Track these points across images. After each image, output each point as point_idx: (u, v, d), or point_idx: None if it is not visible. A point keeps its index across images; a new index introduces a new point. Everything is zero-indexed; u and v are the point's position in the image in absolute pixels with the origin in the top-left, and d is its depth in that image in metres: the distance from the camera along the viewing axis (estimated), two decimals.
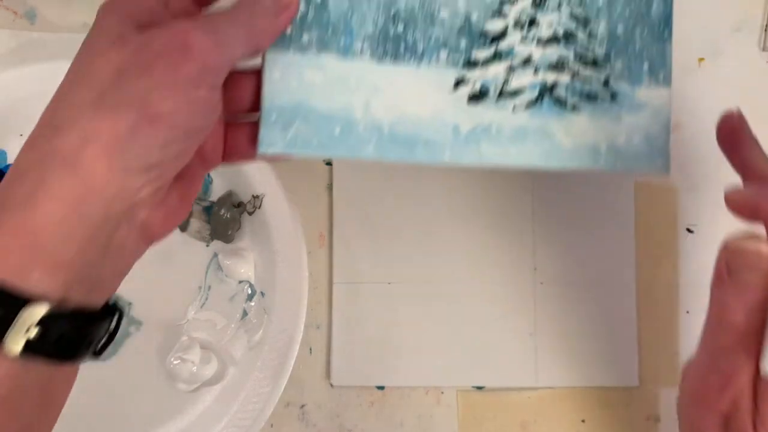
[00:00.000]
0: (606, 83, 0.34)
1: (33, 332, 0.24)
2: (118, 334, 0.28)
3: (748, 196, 0.30)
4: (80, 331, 0.26)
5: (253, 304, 0.44)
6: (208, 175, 0.44)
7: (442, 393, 0.45)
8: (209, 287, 0.44)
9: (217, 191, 0.44)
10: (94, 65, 0.26)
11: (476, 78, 0.33)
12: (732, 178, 0.46)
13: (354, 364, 0.45)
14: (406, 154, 0.32)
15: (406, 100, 0.32)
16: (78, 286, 0.25)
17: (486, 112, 0.33)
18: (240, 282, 0.44)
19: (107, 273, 0.27)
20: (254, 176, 0.42)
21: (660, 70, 0.35)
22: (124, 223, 0.27)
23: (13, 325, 0.24)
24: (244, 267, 0.43)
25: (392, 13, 0.32)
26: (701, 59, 0.47)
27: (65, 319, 0.25)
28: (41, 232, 0.24)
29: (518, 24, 0.33)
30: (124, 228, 0.27)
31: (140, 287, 0.42)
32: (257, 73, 0.31)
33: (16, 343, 0.24)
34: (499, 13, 0.33)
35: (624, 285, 0.45)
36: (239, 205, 0.44)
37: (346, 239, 0.45)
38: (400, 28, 0.32)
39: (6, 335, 0.24)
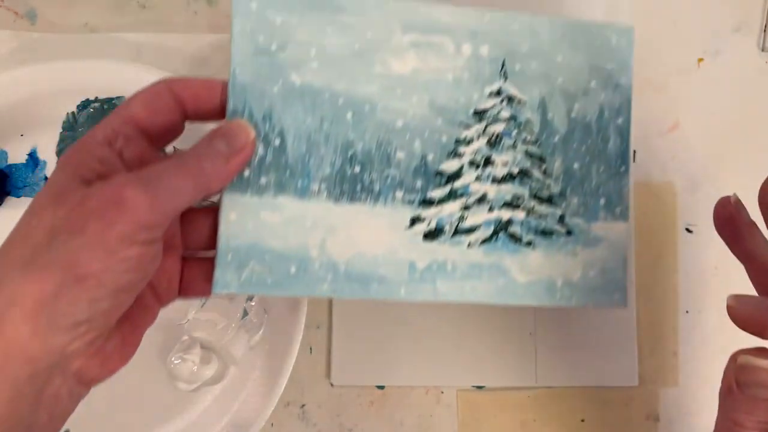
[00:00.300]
0: (561, 219, 0.34)
1: None
2: None
3: (753, 310, 0.30)
4: None
5: (253, 303, 0.44)
6: None
7: (442, 393, 0.45)
8: None
9: None
10: (31, 225, 0.27)
11: (431, 216, 0.33)
12: (731, 178, 0.46)
13: (354, 364, 0.45)
14: (361, 292, 0.33)
15: (361, 238, 0.33)
16: None
17: (441, 249, 0.34)
18: None
19: (44, 420, 0.27)
20: None
21: (617, 205, 0.35)
22: (57, 376, 0.27)
23: None
24: None
25: (349, 155, 0.33)
26: (701, 59, 0.47)
27: None
28: None
29: (473, 163, 0.34)
30: (57, 379, 0.27)
31: None
32: (215, 211, 0.32)
33: None
34: (454, 153, 0.34)
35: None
36: None
37: None
38: (357, 169, 0.33)
39: None
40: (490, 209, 0.34)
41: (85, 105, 0.42)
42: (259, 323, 0.43)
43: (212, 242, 0.32)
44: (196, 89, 0.31)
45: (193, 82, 0.31)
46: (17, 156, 0.43)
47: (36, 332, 0.25)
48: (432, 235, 0.33)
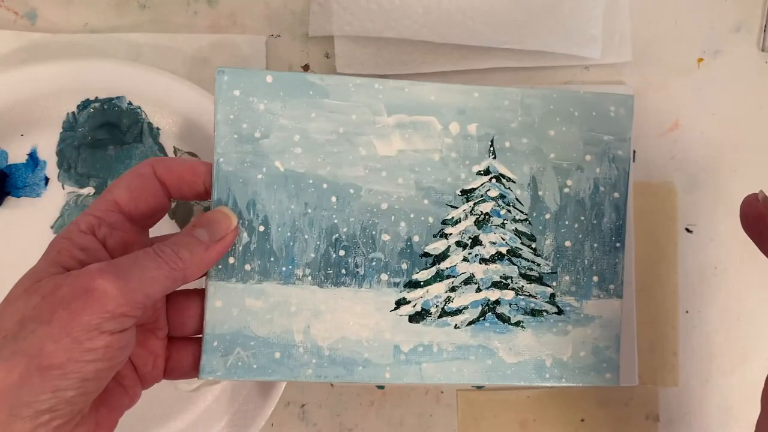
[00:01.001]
0: (552, 298, 0.34)
1: None
2: None
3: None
4: None
5: None
6: None
7: (442, 392, 0.45)
8: None
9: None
10: (5, 313, 0.27)
11: (417, 298, 0.34)
12: (731, 178, 0.46)
13: None
14: (345, 376, 0.33)
15: (346, 321, 0.33)
16: None
17: (427, 331, 0.34)
18: None
19: None
20: None
21: (611, 282, 0.35)
22: None
23: None
24: None
25: (334, 239, 0.33)
26: (701, 59, 0.47)
27: None
28: None
29: (460, 244, 0.34)
30: None
31: None
32: (202, 294, 0.32)
33: None
34: (441, 234, 0.34)
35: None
36: None
37: None
38: (342, 253, 0.33)
39: None
40: (478, 290, 0.34)
41: (85, 105, 0.42)
42: None
43: (200, 324, 0.33)
44: (180, 172, 0.32)
45: (177, 166, 0.32)
46: (17, 156, 0.43)
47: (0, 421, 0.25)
48: (418, 317, 0.34)
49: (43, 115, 0.42)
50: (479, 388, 0.45)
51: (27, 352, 0.25)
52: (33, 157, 0.43)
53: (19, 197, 0.43)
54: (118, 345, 0.27)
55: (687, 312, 0.46)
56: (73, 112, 0.42)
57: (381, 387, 0.45)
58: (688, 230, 0.46)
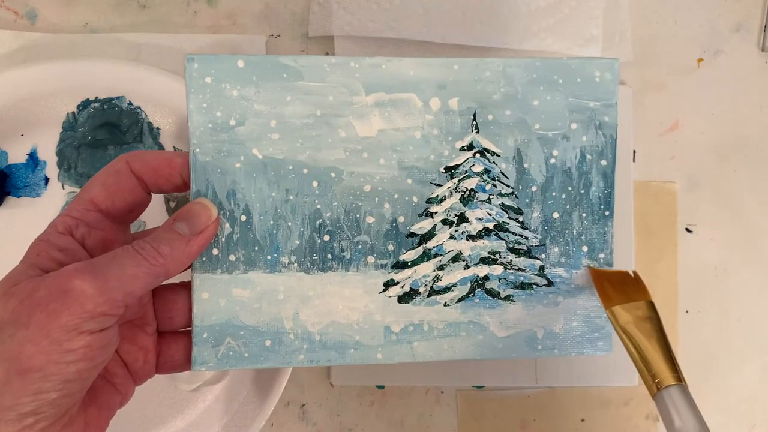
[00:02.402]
0: (541, 271, 0.34)
1: None
2: None
3: None
4: None
5: None
6: None
7: (442, 392, 0.45)
8: None
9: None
10: None
11: (405, 279, 0.33)
12: (731, 178, 0.46)
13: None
14: (337, 359, 0.33)
15: (335, 306, 0.33)
16: None
17: (417, 310, 0.33)
18: None
19: None
20: None
21: (600, 251, 0.34)
22: None
23: None
24: None
25: (317, 225, 0.33)
26: (701, 59, 0.47)
27: None
28: None
29: (446, 222, 0.33)
30: None
31: None
32: (189, 287, 0.32)
33: None
34: (426, 213, 0.33)
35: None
36: None
37: None
38: (327, 238, 0.33)
39: None
40: (466, 266, 0.34)
41: (85, 105, 0.42)
42: None
43: (188, 317, 0.33)
44: (156, 166, 0.31)
45: (153, 160, 0.31)
46: (17, 156, 0.43)
47: None
48: (406, 297, 0.33)
49: (43, 115, 0.42)
50: (479, 388, 0.45)
51: (5, 356, 0.25)
52: (33, 157, 0.43)
53: (19, 197, 0.43)
54: (99, 344, 0.27)
55: (687, 312, 0.46)
56: (73, 112, 0.42)
57: (381, 387, 0.45)
58: (688, 230, 0.46)
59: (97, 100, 0.42)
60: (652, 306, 0.32)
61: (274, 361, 0.33)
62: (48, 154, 0.43)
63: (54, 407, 0.26)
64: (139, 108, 0.43)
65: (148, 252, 0.28)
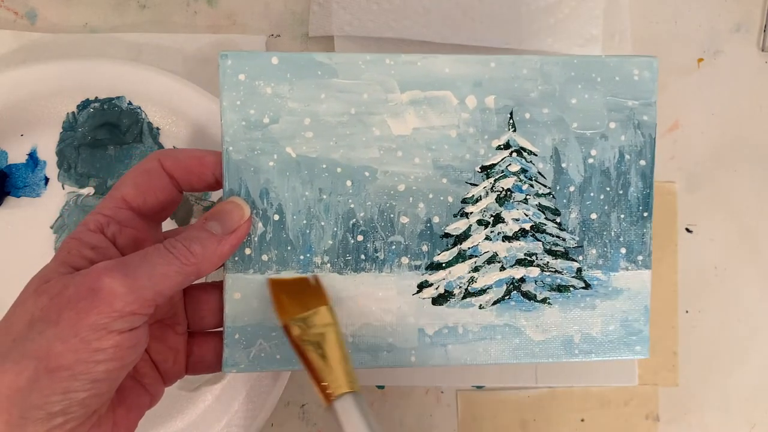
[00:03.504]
0: (579, 273, 0.33)
1: None
2: None
3: None
4: None
5: None
6: None
7: (442, 392, 0.45)
8: None
9: (217, 191, 0.44)
10: (15, 314, 0.27)
11: (440, 280, 0.33)
12: (731, 178, 0.46)
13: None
14: (370, 362, 0.32)
15: (368, 307, 0.32)
16: None
17: (451, 312, 0.33)
18: None
19: None
20: None
21: (639, 253, 0.34)
22: None
23: None
24: None
25: (351, 225, 0.32)
26: (701, 59, 0.47)
27: None
28: None
29: (482, 222, 0.33)
30: None
31: None
32: (220, 287, 0.32)
33: None
34: (461, 213, 0.33)
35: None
36: None
37: None
38: (360, 238, 0.32)
39: None
40: (502, 268, 0.33)
41: (85, 105, 0.42)
42: None
43: (219, 318, 0.32)
44: (188, 164, 0.31)
45: (185, 158, 0.31)
46: (17, 156, 0.43)
47: (9, 423, 0.25)
48: (441, 299, 0.33)
49: (43, 115, 0.42)
50: (479, 388, 0.45)
51: (35, 354, 0.25)
52: (33, 157, 0.43)
53: (19, 197, 0.43)
54: (128, 344, 0.27)
55: (687, 312, 0.46)
56: (73, 112, 0.42)
57: (381, 387, 0.45)
58: (688, 230, 0.46)
59: (97, 100, 0.42)
60: (330, 312, 0.31)
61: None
62: (48, 154, 0.43)
63: (83, 407, 0.26)
64: (139, 108, 0.43)
65: (179, 251, 0.28)
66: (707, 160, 0.46)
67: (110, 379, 0.27)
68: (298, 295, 0.31)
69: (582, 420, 0.45)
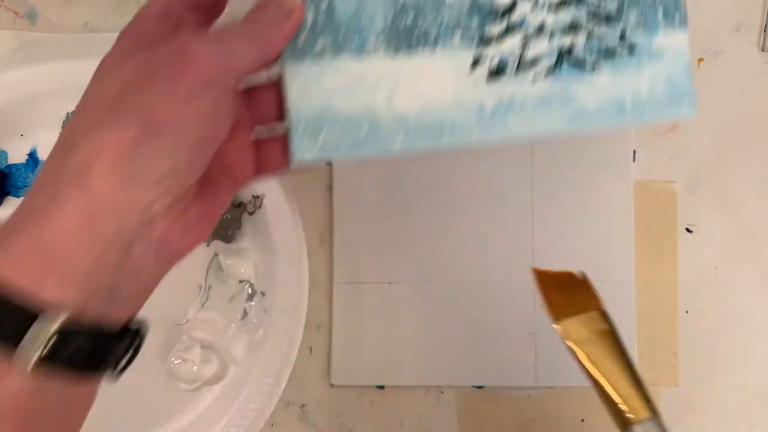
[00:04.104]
0: (622, 36, 0.34)
1: (48, 344, 0.24)
2: None
3: None
4: (97, 347, 0.25)
5: (253, 304, 0.44)
6: None
7: (442, 393, 0.45)
8: (210, 287, 0.44)
9: None
10: (104, 83, 0.27)
11: (492, 55, 0.33)
12: (732, 178, 0.46)
13: (354, 364, 0.45)
14: (434, 141, 0.33)
15: (426, 88, 0.33)
16: (94, 302, 0.25)
17: (507, 86, 0.33)
18: (240, 282, 0.44)
19: (126, 293, 0.27)
20: None
21: (675, 13, 0.34)
22: (139, 243, 0.26)
23: (27, 335, 0.23)
24: (245, 267, 0.44)
25: (400, 5, 0.32)
26: (701, 59, 0.47)
27: (81, 333, 0.24)
28: (54, 246, 0.24)
29: None
30: (140, 247, 0.26)
31: None
32: (276, 85, 0.32)
33: (30, 354, 0.24)
34: None
35: (623, 285, 0.45)
36: (239, 205, 0.44)
37: (346, 239, 0.45)
38: (410, 18, 0.32)
39: (20, 346, 0.23)
40: (550, 38, 0.33)
41: None
42: (259, 323, 0.43)
43: (279, 115, 0.32)
44: None
45: None
46: (17, 156, 0.43)
47: (121, 186, 0.25)
48: (496, 73, 0.33)
49: (43, 115, 0.42)
50: (479, 388, 0.45)
51: (138, 112, 0.25)
52: (33, 157, 0.43)
53: (19, 197, 0.43)
54: (221, 110, 0.27)
55: (687, 312, 0.46)
56: (73, 112, 0.42)
57: (381, 387, 0.45)
58: (688, 230, 0.46)
59: None
60: (605, 316, 0.29)
61: (371, 148, 0.32)
62: (48, 154, 0.43)
63: (185, 174, 0.27)
64: None
65: (248, 30, 0.29)
66: (707, 160, 0.46)
67: (208, 146, 0.27)
68: (569, 291, 0.30)
69: (582, 420, 0.45)
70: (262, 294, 0.44)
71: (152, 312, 0.44)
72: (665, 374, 0.45)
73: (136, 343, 0.28)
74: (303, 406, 0.45)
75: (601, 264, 0.45)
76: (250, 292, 0.44)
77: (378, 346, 0.45)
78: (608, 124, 0.34)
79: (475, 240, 0.45)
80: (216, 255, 0.44)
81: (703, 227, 0.46)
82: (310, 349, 0.45)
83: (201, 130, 0.27)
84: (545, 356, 0.45)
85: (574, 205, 0.45)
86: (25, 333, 0.23)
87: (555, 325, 0.29)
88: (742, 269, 0.46)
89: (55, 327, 0.24)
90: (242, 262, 0.43)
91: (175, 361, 0.42)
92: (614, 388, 0.28)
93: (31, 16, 0.45)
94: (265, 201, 0.43)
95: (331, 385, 0.45)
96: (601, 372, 0.28)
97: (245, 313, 0.44)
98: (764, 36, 0.47)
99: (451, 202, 0.45)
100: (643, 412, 0.26)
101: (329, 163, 0.46)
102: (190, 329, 0.43)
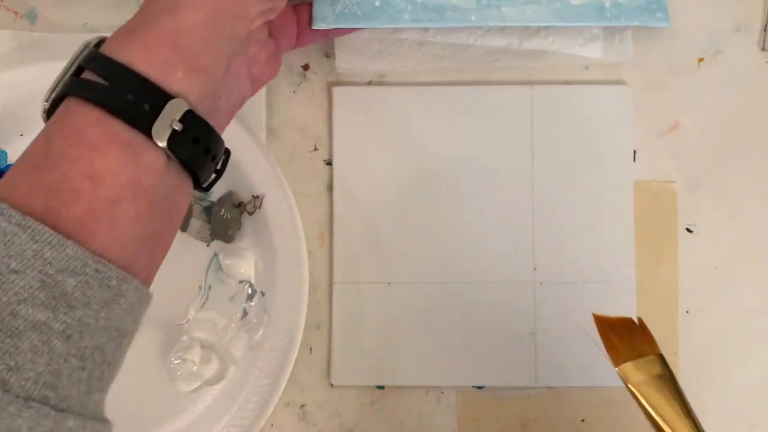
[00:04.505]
0: None
1: (176, 125, 0.27)
2: None
3: None
4: (208, 141, 0.28)
5: (253, 303, 0.44)
6: None
7: (442, 393, 0.45)
8: (209, 287, 0.44)
9: (217, 191, 0.44)
10: None
11: None
12: (731, 178, 0.46)
13: (354, 364, 0.45)
14: (437, 19, 0.38)
15: None
16: (206, 99, 0.28)
17: None
18: (240, 282, 0.44)
19: (223, 103, 0.31)
20: (254, 176, 0.42)
21: None
22: (241, 53, 0.31)
23: (160, 116, 0.26)
24: (245, 267, 0.44)
25: None
26: (701, 59, 0.47)
27: (200, 122, 0.28)
28: (183, 37, 0.28)
29: None
30: (241, 57, 0.32)
31: None
32: None
33: (163, 132, 0.26)
34: None
35: (623, 285, 0.45)
36: (239, 205, 0.44)
37: (346, 239, 0.45)
38: None
39: (154, 125, 0.26)
40: None
41: None
42: (259, 323, 0.43)
43: None
44: None
45: None
46: (17, 156, 0.42)
47: (213, 18, 0.28)
48: None
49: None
50: (479, 388, 0.45)
51: None
52: None
53: None
54: None
55: (687, 312, 0.46)
56: None
57: (381, 387, 0.45)
58: (688, 230, 0.46)
59: None
60: (663, 360, 0.30)
61: (383, 20, 0.38)
62: None
63: (271, 12, 0.32)
64: None
65: None
66: (707, 160, 0.46)
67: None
68: (627, 337, 0.31)
69: (582, 420, 0.45)
70: (262, 294, 0.44)
71: (152, 312, 0.44)
72: None
73: (224, 158, 0.32)
74: (303, 406, 0.45)
75: (601, 264, 0.45)
76: (250, 292, 0.44)
77: (378, 346, 0.45)
78: (589, 23, 0.39)
79: (475, 240, 0.45)
80: (216, 255, 0.44)
81: (703, 227, 0.46)
82: (310, 349, 0.45)
83: None
84: (545, 356, 0.45)
85: (575, 205, 0.45)
86: (158, 114, 0.26)
87: (616, 369, 0.30)
88: (742, 269, 0.46)
89: (182, 111, 0.27)
90: (242, 262, 0.43)
91: (175, 361, 0.42)
92: (673, 430, 0.29)
93: (31, 16, 0.45)
94: (264, 201, 0.43)
95: (331, 385, 0.45)
96: (659, 415, 0.30)
97: (245, 313, 0.44)
98: (764, 36, 0.47)
99: (451, 202, 0.45)
100: None
101: (329, 163, 0.46)
102: (190, 329, 0.43)
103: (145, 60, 0.27)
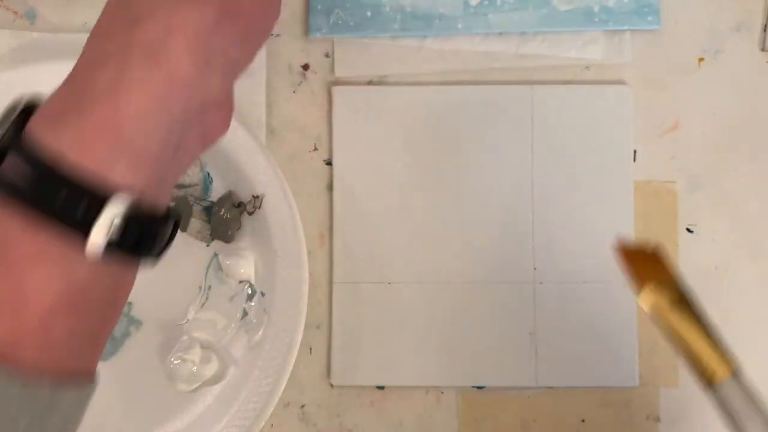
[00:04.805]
0: None
1: (117, 222, 0.23)
2: (118, 334, 0.28)
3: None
4: (154, 232, 0.25)
5: (253, 304, 0.44)
6: (209, 175, 0.44)
7: (442, 393, 0.45)
8: (209, 287, 0.44)
9: (217, 191, 0.44)
10: None
11: None
12: (732, 178, 0.46)
13: (354, 364, 0.45)
14: (425, 28, 0.39)
15: None
16: (153, 185, 0.25)
17: None
18: (240, 282, 0.44)
19: (170, 176, 0.27)
20: (254, 176, 0.42)
21: None
22: (194, 124, 0.26)
23: (99, 220, 0.23)
24: (244, 267, 0.43)
25: None
26: (701, 59, 0.47)
27: (142, 218, 0.24)
28: (126, 124, 0.23)
29: None
30: (193, 129, 0.26)
31: (140, 287, 0.41)
32: None
33: (102, 236, 0.23)
34: None
35: (624, 285, 0.45)
36: (239, 205, 0.44)
37: (346, 239, 0.45)
38: None
39: (92, 229, 0.23)
40: None
41: None
42: (259, 323, 0.43)
43: None
44: None
45: None
46: None
47: (196, 65, 0.24)
48: None
49: None
50: (479, 388, 0.45)
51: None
52: None
53: None
54: (278, 4, 0.30)
55: None
56: None
57: (381, 387, 0.45)
58: (688, 230, 0.46)
59: None
60: (683, 283, 0.32)
61: (375, 29, 0.40)
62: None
63: (247, 61, 0.29)
64: None
65: None
66: (707, 160, 0.46)
67: (262, 41, 0.30)
68: (648, 263, 0.33)
69: (582, 420, 0.45)
70: (262, 294, 0.44)
71: (152, 312, 0.44)
72: (665, 374, 0.45)
73: (174, 230, 0.28)
74: (303, 406, 0.45)
75: (601, 264, 0.45)
76: (249, 292, 0.44)
77: (378, 346, 0.45)
78: (577, 28, 0.40)
79: (475, 240, 0.45)
80: (216, 255, 0.44)
81: (703, 227, 0.46)
82: (310, 349, 0.45)
83: (268, 19, 0.29)
84: (545, 356, 0.45)
85: (574, 205, 0.45)
86: (96, 217, 0.23)
87: (637, 297, 0.32)
88: (742, 269, 0.46)
89: (124, 210, 0.23)
90: (242, 262, 0.43)
91: (175, 362, 0.42)
92: (696, 350, 0.30)
93: (31, 16, 0.45)
94: (264, 201, 0.43)
95: (331, 386, 0.45)
96: (682, 335, 0.31)
97: (245, 313, 0.44)
98: (764, 36, 0.47)
99: (450, 201, 0.45)
100: (725, 372, 0.30)
101: (329, 163, 0.46)
102: (190, 329, 0.43)
103: (80, 154, 0.23)
